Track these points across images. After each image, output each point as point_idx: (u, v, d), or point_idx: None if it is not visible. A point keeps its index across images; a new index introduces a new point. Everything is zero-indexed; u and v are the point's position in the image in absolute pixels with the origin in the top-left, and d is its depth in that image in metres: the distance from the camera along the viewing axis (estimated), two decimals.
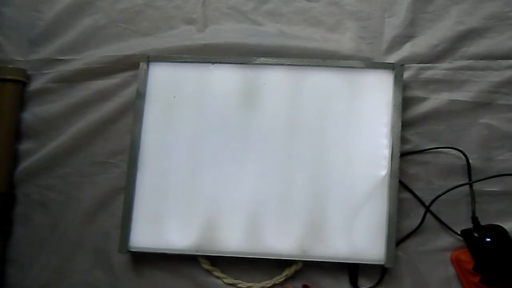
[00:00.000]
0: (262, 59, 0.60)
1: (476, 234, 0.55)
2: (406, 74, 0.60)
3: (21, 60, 0.65)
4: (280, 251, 0.55)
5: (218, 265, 0.57)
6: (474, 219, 0.56)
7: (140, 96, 0.59)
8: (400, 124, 0.56)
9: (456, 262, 0.56)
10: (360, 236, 0.55)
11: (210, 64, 0.60)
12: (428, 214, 0.58)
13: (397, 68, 0.58)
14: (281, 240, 0.55)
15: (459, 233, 0.57)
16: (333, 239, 0.55)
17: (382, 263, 0.54)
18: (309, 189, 0.57)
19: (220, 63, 0.60)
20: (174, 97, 0.60)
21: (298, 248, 0.55)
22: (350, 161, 0.57)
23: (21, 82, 0.63)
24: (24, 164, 0.62)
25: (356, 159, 0.57)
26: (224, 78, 0.60)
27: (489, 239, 0.54)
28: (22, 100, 0.64)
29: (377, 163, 0.57)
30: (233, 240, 0.56)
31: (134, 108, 0.59)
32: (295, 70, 0.60)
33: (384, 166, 0.56)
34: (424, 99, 0.60)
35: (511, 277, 0.53)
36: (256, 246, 0.55)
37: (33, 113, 0.63)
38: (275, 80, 0.60)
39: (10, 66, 0.64)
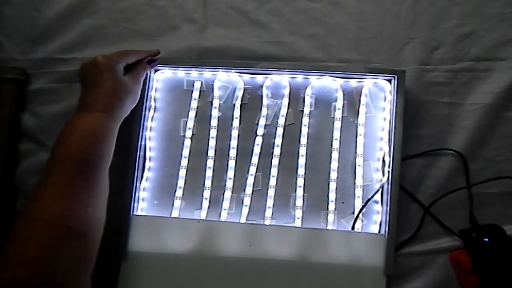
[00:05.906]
0: (264, 64, 0.60)
1: (474, 234, 0.55)
2: (407, 76, 0.59)
3: (21, 59, 0.64)
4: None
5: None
6: (472, 218, 0.57)
7: (141, 97, 0.59)
8: (401, 131, 0.56)
9: (455, 262, 0.56)
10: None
11: (213, 70, 0.61)
12: (428, 217, 0.58)
13: (399, 75, 0.57)
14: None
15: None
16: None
17: (381, 269, 0.54)
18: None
19: (220, 67, 0.60)
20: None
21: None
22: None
23: (21, 81, 0.62)
24: (24, 164, 0.62)
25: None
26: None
27: (487, 239, 0.54)
28: (22, 100, 0.63)
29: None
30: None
31: (135, 110, 0.59)
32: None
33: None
34: (424, 101, 0.60)
35: (510, 277, 0.53)
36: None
37: (33, 113, 0.63)
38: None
39: (10, 65, 0.63)
